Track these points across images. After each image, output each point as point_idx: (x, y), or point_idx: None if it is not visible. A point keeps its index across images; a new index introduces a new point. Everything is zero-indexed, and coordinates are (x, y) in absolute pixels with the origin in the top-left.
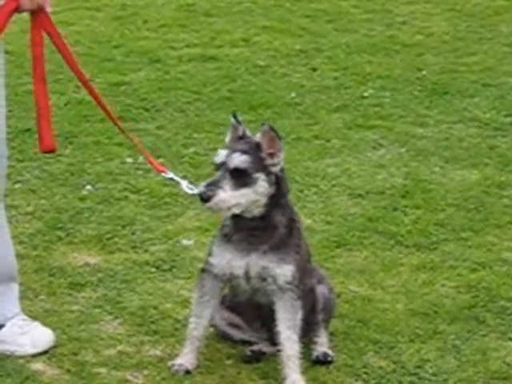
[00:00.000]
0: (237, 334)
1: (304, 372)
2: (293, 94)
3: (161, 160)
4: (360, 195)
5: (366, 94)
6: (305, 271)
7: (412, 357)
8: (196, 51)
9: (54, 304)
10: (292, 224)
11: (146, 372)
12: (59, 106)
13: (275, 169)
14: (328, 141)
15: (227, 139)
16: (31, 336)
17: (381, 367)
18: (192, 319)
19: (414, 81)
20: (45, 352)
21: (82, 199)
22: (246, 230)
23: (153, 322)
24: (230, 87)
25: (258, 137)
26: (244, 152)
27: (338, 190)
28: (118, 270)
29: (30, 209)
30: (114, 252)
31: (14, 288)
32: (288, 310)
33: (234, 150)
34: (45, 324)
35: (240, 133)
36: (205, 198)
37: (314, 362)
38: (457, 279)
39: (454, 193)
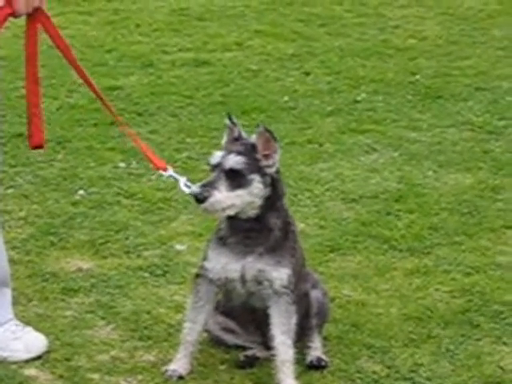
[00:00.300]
0: (230, 339)
1: (298, 377)
2: (286, 98)
3: (152, 166)
4: (353, 199)
5: (359, 98)
6: (300, 275)
7: (406, 361)
8: (189, 55)
9: (47, 309)
10: (287, 227)
11: (139, 377)
12: (52, 111)
13: (270, 170)
14: (321, 145)
15: (223, 141)
16: (24, 341)
17: (375, 372)
18: (186, 324)
19: (408, 85)
20: (38, 357)
21: (75, 204)
22: (242, 233)
23: (146, 328)
24: (222, 91)
25: (253, 138)
26: (239, 153)
27: (332, 194)
28: (111, 275)
29: (22, 214)
30: (107, 257)
31: (7, 293)
32: (282, 315)
33: (229, 152)
34: (38, 329)
35: (235, 134)
36: (200, 199)
37: (307, 367)
38: (451, 283)
39: (447, 197)
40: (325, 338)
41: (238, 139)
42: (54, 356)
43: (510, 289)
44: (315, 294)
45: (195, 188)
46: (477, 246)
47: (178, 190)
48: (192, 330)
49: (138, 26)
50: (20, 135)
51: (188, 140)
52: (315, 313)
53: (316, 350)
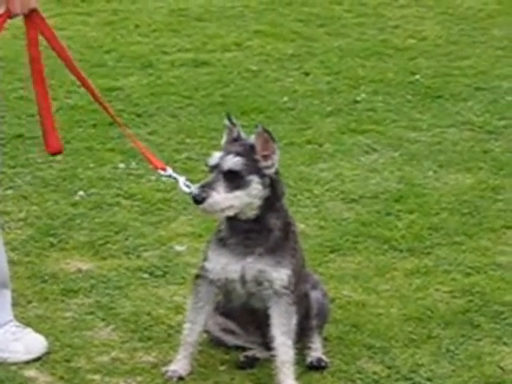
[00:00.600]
0: (230, 340)
1: (298, 377)
2: (285, 99)
3: (151, 166)
4: (353, 200)
5: (358, 99)
6: (300, 276)
7: (406, 362)
8: (188, 56)
9: (47, 310)
10: (287, 228)
11: (139, 378)
12: None
13: (269, 171)
14: (321, 145)
15: (222, 141)
16: (24, 342)
17: (375, 372)
18: (186, 325)
19: (407, 85)
20: (38, 359)
21: (75, 205)
22: (242, 233)
23: (146, 329)
24: (222, 92)
25: (252, 139)
26: (238, 154)
27: (331, 194)
28: (110, 276)
29: (22, 215)
30: (107, 258)
31: (7, 295)
32: (283, 316)
33: (227, 152)
34: (37, 331)
35: (234, 135)
36: (198, 200)
37: (308, 368)
38: (451, 284)
39: (447, 197)
40: (325, 339)
41: (237, 140)
42: (53, 357)
43: (510, 289)
44: (315, 295)
45: (194, 189)
46: (477, 246)
47: (177, 190)
48: (192, 330)
49: (137, 26)
50: (19, 136)
51: (187, 140)
52: (315, 313)
53: (316, 350)
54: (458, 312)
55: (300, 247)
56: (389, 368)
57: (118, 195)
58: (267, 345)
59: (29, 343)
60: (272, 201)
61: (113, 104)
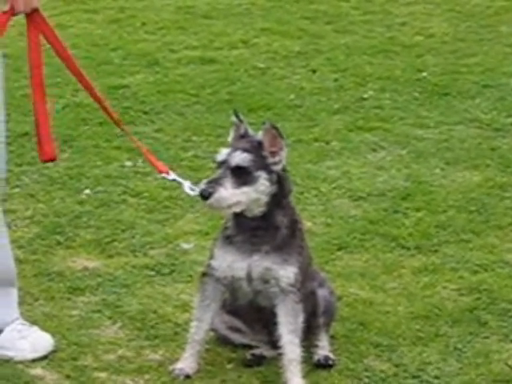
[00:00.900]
0: (237, 338)
1: (305, 376)
2: (292, 96)
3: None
4: (361, 197)
5: (365, 96)
6: (306, 274)
7: (414, 360)
8: (195, 53)
9: (53, 308)
10: (294, 225)
11: (146, 376)
12: (57, 110)
13: (277, 167)
14: (328, 143)
15: (230, 138)
16: (31, 341)
17: (382, 370)
18: (193, 323)
19: (414, 82)
20: (44, 357)
21: (81, 203)
22: (248, 231)
23: (153, 327)
24: (229, 89)
25: (259, 135)
26: (245, 150)
27: (339, 192)
28: (117, 274)
29: (28, 213)
30: (114, 256)
31: (13, 293)
32: (289, 314)
33: (235, 148)
34: (44, 329)
35: (242, 131)
36: (205, 196)
37: (315, 366)
38: (458, 281)
39: (455, 194)
40: (332, 337)
41: (244, 136)
42: (60, 355)
43: None
44: (322, 293)
45: (201, 185)
46: (484, 243)
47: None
48: (199, 328)
49: (143, 24)
50: (25, 134)
51: (194, 138)
52: (322, 311)
53: (323, 348)
54: (466, 310)
55: (307, 245)
56: (396, 366)
57: (124, 193)
58: (274, 343)
59: (35, 341)
60: (279, 198)
61: (119, 102)
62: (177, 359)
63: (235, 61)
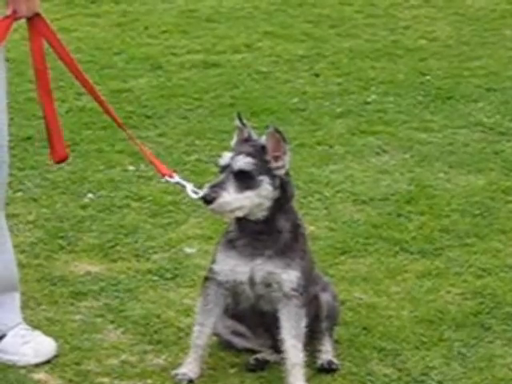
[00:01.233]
0: (240, 343)
1: (308, 380)
2: (295, 100)
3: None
4: (364, 201)
5: (369, 100)
6: (309, 278)
7: (417, 364)
8: (198, 57)
9: (56, 313)
10: (297, 229)
11: (149, 381)
12: (60, 114)
13: (280, 172)
14: (331, 147)
15: (233, 142)
16: (33, 345)
17: (386, 375)
18: (195, 328)
19: (418, 86)
20: (47, 362)
21: (84, 207)
22: (251, 235)
23: (156, 331)
24: (232, 93)
25: (263, 139)
26: (248, 154)
27: (342, 196)
28: (120, 278)
29: (31, 217)
30: (116, 260)
31: (16, 297)
32: (292, 318)
33: (238, 153)
34: (47, 333)
35: (245, 135)
36: (208, 200)
37: (318, 370)
38: (462, 285)
39: (458, 198)
40: (335, 341)
41: (247, 140)
42: (63, 360)
43: None
44: (325, 297)
45: (204, 189)
46: (488, 247)
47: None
48: (201, 333)
49: (146, 28)
50: (28, 138)
51: (197, 142)
52: (325, 316)
53: (327, 353)
54: (470, 314)
55: (309, 249)
56: (399, 370)
57: (127, 197)
58: (277, 347)
59: (38, 346)
60: (282, 202)
61: (122, 106)
62: (180, 364)
63: (238, 65)
